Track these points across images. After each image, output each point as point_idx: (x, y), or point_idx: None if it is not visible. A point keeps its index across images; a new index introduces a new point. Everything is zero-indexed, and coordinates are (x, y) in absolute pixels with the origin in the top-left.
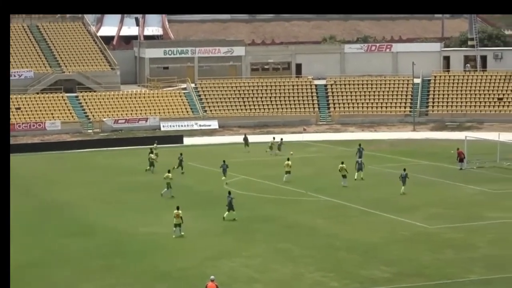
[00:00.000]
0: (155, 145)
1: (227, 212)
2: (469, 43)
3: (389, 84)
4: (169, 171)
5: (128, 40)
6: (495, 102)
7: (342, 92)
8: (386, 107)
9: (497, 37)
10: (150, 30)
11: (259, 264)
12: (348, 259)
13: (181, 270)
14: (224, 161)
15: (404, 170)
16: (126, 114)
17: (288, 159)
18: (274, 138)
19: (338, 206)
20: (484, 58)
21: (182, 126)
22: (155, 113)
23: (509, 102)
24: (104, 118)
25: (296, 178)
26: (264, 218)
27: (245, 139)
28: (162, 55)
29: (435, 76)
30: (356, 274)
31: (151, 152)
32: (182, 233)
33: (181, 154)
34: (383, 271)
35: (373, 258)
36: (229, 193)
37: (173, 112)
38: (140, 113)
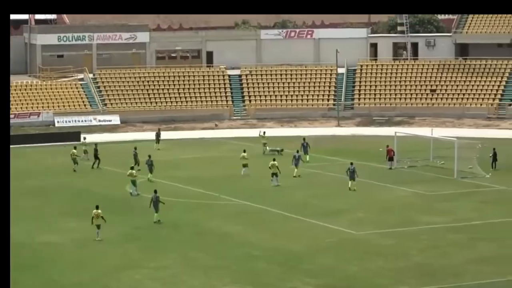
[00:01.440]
0: (83, 140)
1: (156, 214)
2: (399, 28)
3: (311, 74)
4: (132, 168)
5: (17, 25)
6: (427, 94)
7: (258, 83)
8: (308, 100)
9: (429, 22)
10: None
11: (168, 276)
12: (267, 270)
13: (80, 284)
14: (149, 156)
15: (352, 164)
16: (16, 108)
17: (244, 151)
18: (264, 132)
19: (255, 211)
20: (415, 46)
21: (79, 121)
22: (48, 107)
23: (442, 94)
24: None
25: (208, 179)
26: (172, 224)
27: (158, 134)
28: (56, 42)
29: (361, 65)
30: (276, 287)
31: (77, 149)
32: (100, 238)
33: (135, 148)
34: (306, 283)
35: (295, 269)
36: (155, 191)
37: (68, 106)
38: (32, 107)
